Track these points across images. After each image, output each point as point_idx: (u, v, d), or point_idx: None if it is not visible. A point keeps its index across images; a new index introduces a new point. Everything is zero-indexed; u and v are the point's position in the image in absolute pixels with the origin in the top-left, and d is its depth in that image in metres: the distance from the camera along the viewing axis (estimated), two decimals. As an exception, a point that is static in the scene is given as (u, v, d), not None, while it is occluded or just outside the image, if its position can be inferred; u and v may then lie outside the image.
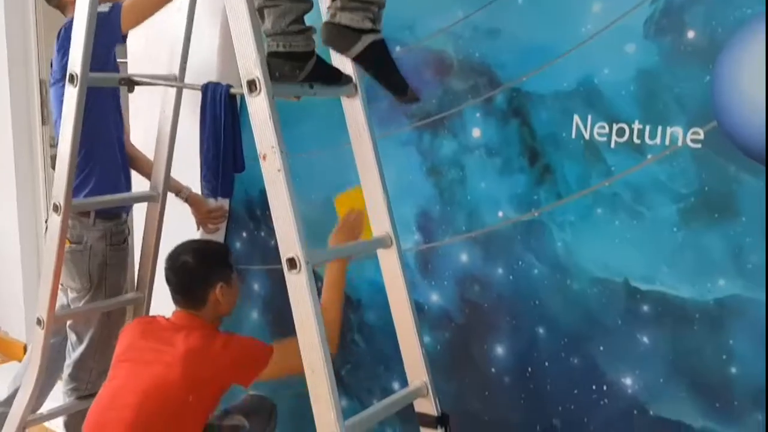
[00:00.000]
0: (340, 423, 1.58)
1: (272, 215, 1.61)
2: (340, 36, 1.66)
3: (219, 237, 2.63)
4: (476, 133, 2.04)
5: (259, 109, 1.57)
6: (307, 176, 2.32)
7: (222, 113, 1.80)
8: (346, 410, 1.65)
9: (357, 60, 1.71)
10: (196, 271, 2.06)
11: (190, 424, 1.96)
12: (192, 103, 2.27)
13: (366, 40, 1.65)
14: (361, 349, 2.39)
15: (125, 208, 2.46)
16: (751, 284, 1.69)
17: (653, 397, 1.85)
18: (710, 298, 1.74)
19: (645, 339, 1.85)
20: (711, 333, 1.75)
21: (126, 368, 2.00)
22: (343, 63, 1.78)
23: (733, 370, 1.73)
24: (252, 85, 1.57)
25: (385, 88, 1.77)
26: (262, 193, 2.35)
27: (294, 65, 1.61)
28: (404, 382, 1.91)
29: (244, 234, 2.62)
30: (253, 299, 2.64)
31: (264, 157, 1.58)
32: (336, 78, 1.73)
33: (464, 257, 2.12)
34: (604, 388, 1.92)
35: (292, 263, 1.59)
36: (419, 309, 2.11)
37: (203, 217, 2.56)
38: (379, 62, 1.71)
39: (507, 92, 1.97)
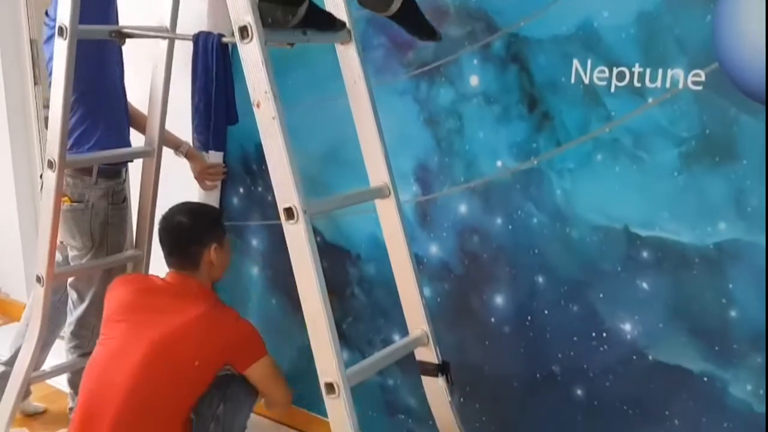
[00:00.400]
0: (341, 371, 1.58)
1: (268, 165, 1.60)
2: None
3: (216, 193, 2.62)
4: (474, 80, 2.01)
5: (251, 56, 1.54)
6: (303, 128, 2.29)
7: (214, 63, 1.78)
8: (347, 362, 1.66)
9: (393, 18, 1.70)
10: (190, 231, 2.09)
11: (192, 391, 1.97)
12: (185, 54, 2.24)
13: None
14: (362, 303, 2.39)
15: (124, 164, 2.44)
16: (751, 227, 1.68)
17: (652, 342, 1.86)
18: (710, 243, 1.73)
19: (645, 285, 1.84)
20: (711, 277, 1.75)
21: (124, 329, 1.99)
22: (336, 8, 1.74)
23: (733, 313, 1.73)
24: (244, 31, 1.53)
25: (413, 35, 1.78)
26: (258, 148, 2.33)
27: (286, 10, 1.58)
28: (405, 335, 1.92)
29: (241, 190, 2.60)
30: (251, 255, 2.64)
31: (258, 105, 1.56)
32: (330, 23, 1.69)
33: (463, 208, 2.11)
34: (604, 334, 1.93)
35: (289, 213, 1.57)
36: (418, 261, 2.11)
37: (201, 173, 2.54)
38: (412, 15, 1.72)
39: (505, 38, 1.93)
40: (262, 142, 1.59)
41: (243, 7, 1.53)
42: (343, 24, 1.73)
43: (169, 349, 1.92)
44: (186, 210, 2.13)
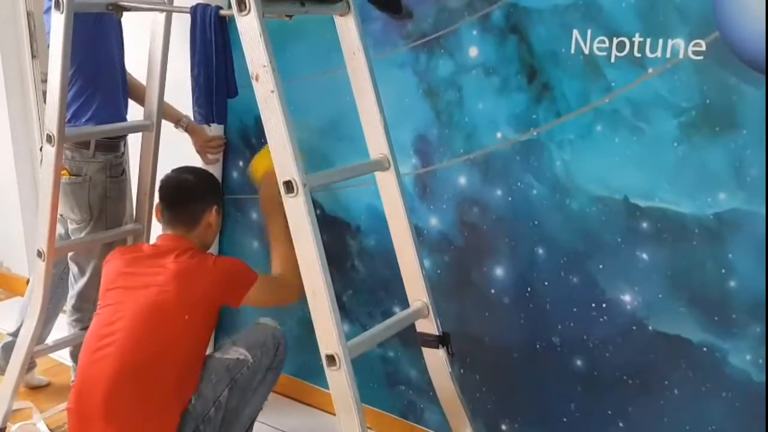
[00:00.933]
0: (342, 343, 1.59)
1: (267, 138, 1.59)
2: None
3: (218, 167, 2.61)
4: (473, 52, 2.00)
5: (249, 28, 1.52)
6: (302, 100, 2.28)
7: (212, 36, 1.75)
8: (348, 335, 1.67)
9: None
10: (195, 188, 2.11)
11: (190, 344, 1.98)
12: (183, 27, 2.22)
13: None
14: (362, 275, 2.40)
15: (123, 138, 2.43)
16: (751, 197, 1.68)
17: (652, 313, 1.87)
18: (710, 213, 1.74)
19: (644, 256, 1.85)
20: (710, 247, 1.75)
21: (118, 294, 2.00)
22: (334, -21, 1.73)
23: (732, 283, 1.74)
24: (241, 3, 1.52)
25: (384, 11, 1.80)
26: (257, 121, 2.30)
27: (283, -19, 1.56)
28: (405, 307, 1.92)
29: (241, 163, 2.60)
30: (252, 229, 2.64)
31: (257, 78, 1.55)
32: (328, -6, 1.68)
33: (463, 180, 2.11)
34: (604, 305, 1.94)
35: (288, 186, 1.57)
36: (418, 233, 2.11)
37: (202, 146, 2.54)
38: None
39: (504, 8, 1.92)
40: (261, 116, 1.59)
41: (240, -22, 1.51)
42: (341, -6, 1.71)
43: (160, 308, 1.93)
44: (191, 170, 2.15)
